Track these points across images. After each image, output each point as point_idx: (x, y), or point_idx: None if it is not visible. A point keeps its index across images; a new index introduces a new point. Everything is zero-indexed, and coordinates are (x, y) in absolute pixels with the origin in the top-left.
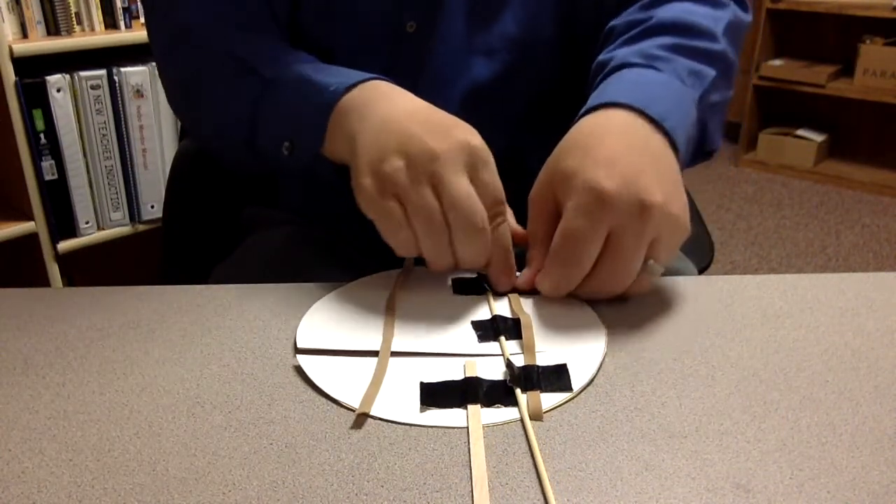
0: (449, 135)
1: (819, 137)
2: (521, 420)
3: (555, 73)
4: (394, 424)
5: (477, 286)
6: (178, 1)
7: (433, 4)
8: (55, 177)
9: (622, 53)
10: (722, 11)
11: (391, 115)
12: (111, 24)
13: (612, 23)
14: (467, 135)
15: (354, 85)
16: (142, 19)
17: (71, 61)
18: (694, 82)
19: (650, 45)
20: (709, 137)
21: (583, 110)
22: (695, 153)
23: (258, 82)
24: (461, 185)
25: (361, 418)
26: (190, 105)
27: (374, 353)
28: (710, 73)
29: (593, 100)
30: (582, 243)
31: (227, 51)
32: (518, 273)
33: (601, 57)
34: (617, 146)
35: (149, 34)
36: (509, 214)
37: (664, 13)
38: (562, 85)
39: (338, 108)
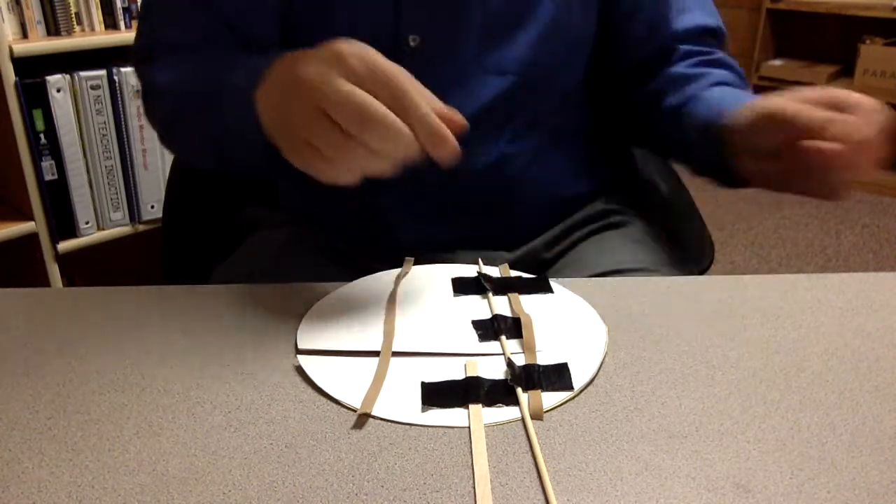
0: (315, 56)
1: None
2: (522, 419)
3: (557, 97)
4: (394, 424)
5: (477, 286)
6: (153, 20)
7: (440, 20)
8: (55, 177)
9: (714, 74)
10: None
11: (276, 81)
12: (111, 24)
13: (658, 45)
14: (333, 47)
15: (256, 85)
16: None
17: (71, 61)
18: None
19: (727, 75)
20: None
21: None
22: None
23: (210, 107)
24: (338, 89)
25: (363, 418)
26: (169, 134)
27: (375, 354)
28: None
29: (739, 100)
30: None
31: (190, 84)
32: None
33: (679, 70)
34: None
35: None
36: (420, 92)
37: (720, 55)
38: (560, 107)
39: (260, 94)
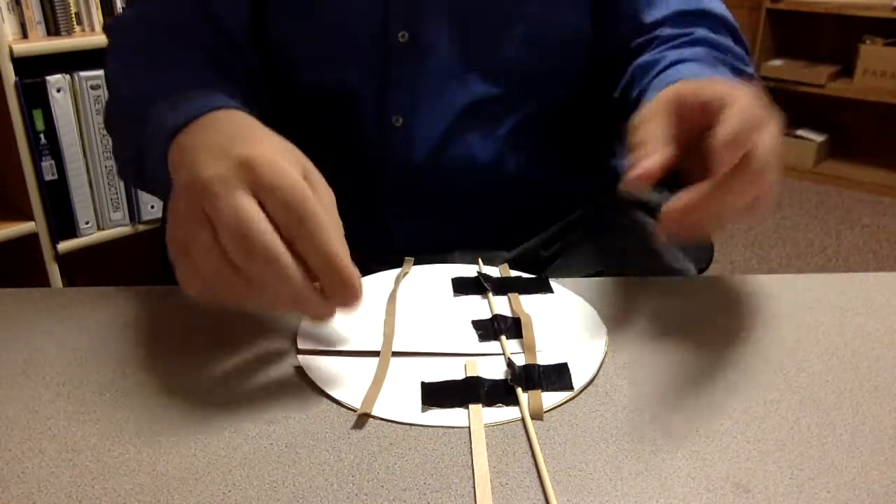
0: (228, 155)
1: (819, 137)
2: (522, 419)
3: (552, 96)
4: (394, 424)
5: (477, 286)
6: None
7: (428, 16)
8: (55, 177)
9: (673, 54)
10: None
11: (196, 151)
12: None
13: (639, 40)
14: (249, 147)
15: (182, 127)
16: None
17: (71, 61)
18: None
19: (699, 51)
20: None
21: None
22: None
23: (138, 124)
24: (230, 207)
25: (363, 418)
26: (110, 122)
27: (375, 354)
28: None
29: (665, 79)
30: (748, 139)
31: (130, 85)
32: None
33: (645, 58)
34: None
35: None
36: (334, 225)
37: (700, 33)
38: (557, 105)
39: (171, 157)
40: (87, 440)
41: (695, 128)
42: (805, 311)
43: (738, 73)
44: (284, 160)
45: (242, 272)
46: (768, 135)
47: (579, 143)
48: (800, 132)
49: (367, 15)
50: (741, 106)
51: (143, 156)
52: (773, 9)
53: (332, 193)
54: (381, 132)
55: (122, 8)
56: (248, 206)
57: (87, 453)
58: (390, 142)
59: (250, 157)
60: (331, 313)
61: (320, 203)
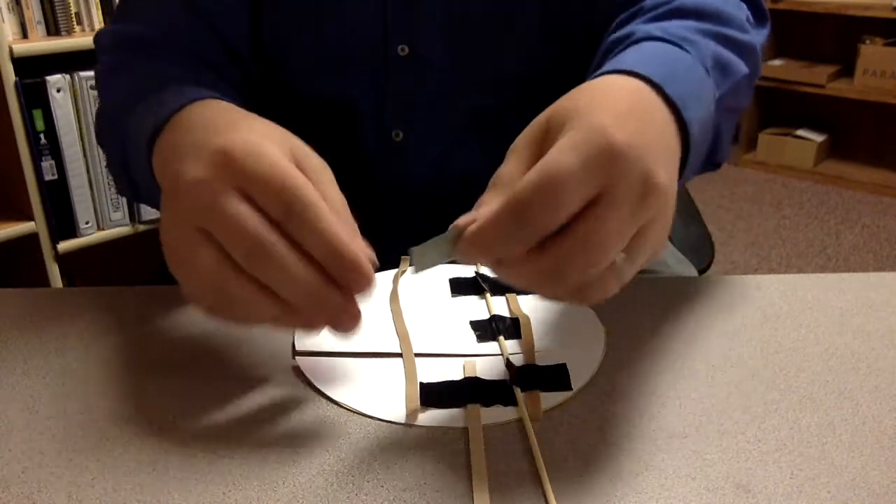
0: (205, 149)
1: (819, 137)
2: (521, 420)
3: (552, 101)
4: (394, 424)
5: (474, 286)
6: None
7: (426, 29)
8: (55, 177)
9: (644, 28)
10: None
11: (176, 150)
12: None
13: (623, 16)
14: (224, 136)
15: (160, 128)
16: None
17: (71, 61)
18: (718, 77)
19: (676, 24)
20: (721, 146)
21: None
22: (703, 161)
23: (120, 133)
24: (223, 210)
25: (413, 416)
26: (100, 138)
27: (373, 355)
28: (741, 69)
29: (606, 66)
30: (563, 185)
31: (111, 93)
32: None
33: (616, 34)
34: (625, 103)
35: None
36: (336, 206)
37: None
38: None
39: (154, 164)
40: (87, 440)
41: None
42: (805, 311)
43: (725, 41)
44: (264, 145)
45: (249, 282)
46: (626, 206)
47: None
48: (800, 132)
49: (366, 27)
50: (581, 132)
51: (129, 168)
52: (773, 9)
53: (329, 168)
54: (380, 147)
55: (113, 20)
56: (237, 211)
57: (87, 453)
58: (390, 157)
59: (226, 148)
60: (350, 316)
61: (318, 181)
